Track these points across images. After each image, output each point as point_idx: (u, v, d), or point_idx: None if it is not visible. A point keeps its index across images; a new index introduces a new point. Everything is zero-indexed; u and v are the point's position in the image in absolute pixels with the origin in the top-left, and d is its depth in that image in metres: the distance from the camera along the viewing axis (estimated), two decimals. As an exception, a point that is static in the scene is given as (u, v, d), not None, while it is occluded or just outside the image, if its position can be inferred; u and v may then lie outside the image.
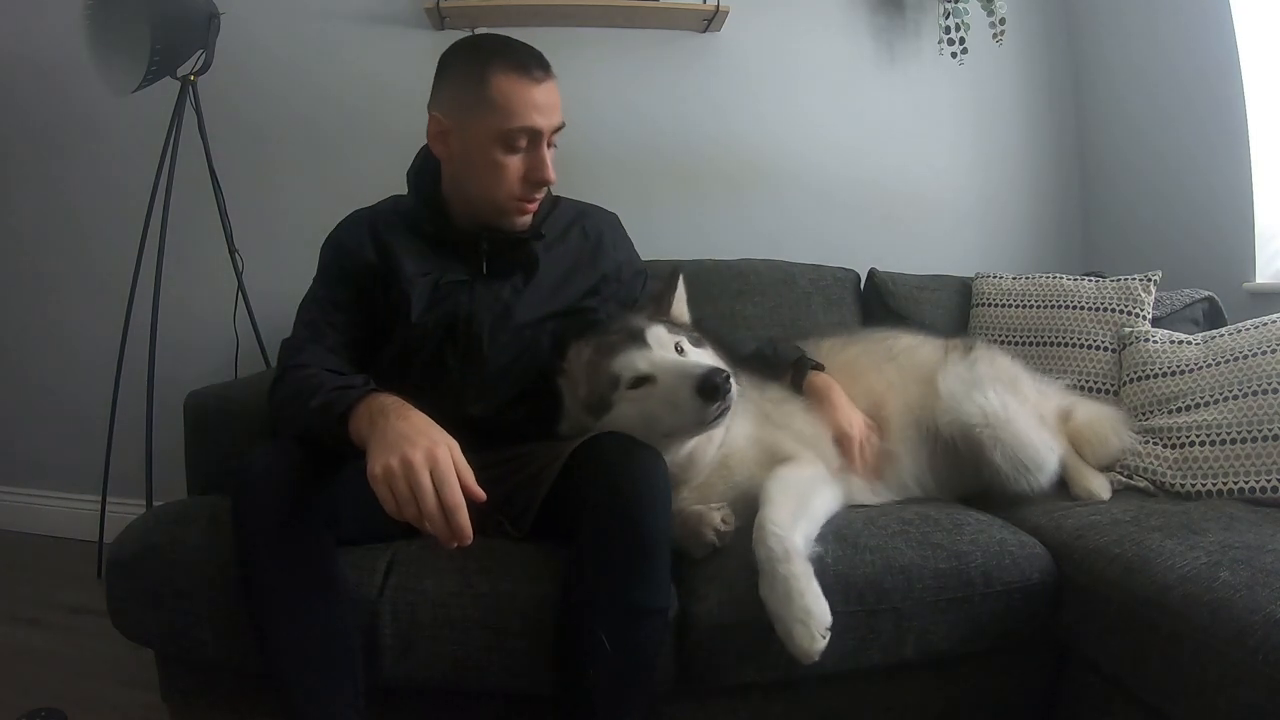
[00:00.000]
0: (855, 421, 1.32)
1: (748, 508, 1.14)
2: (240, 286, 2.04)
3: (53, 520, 2.29)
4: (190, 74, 1.94)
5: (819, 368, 1.38)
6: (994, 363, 1.43)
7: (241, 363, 2.02)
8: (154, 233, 1.93)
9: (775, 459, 1.22)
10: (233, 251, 2.03)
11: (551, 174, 1.22)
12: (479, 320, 1.24)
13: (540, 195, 1.26)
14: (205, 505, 1.21)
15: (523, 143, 1.19)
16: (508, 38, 1.24)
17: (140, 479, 1.91)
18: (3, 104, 2.23)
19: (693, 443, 1.17)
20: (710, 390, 1.05)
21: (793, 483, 1.16)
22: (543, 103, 1.19)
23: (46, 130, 2.22)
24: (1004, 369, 1.42)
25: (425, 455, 0.90)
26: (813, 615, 0.98)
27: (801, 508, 1.12)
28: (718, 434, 1.19)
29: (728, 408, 1.07)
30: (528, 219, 1.27)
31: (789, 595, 0.99)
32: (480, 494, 0.92)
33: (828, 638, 0.98)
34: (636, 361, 1.13)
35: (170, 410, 1.62)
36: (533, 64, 1.19)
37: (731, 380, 1.06)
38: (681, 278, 1.36)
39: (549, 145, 1.22)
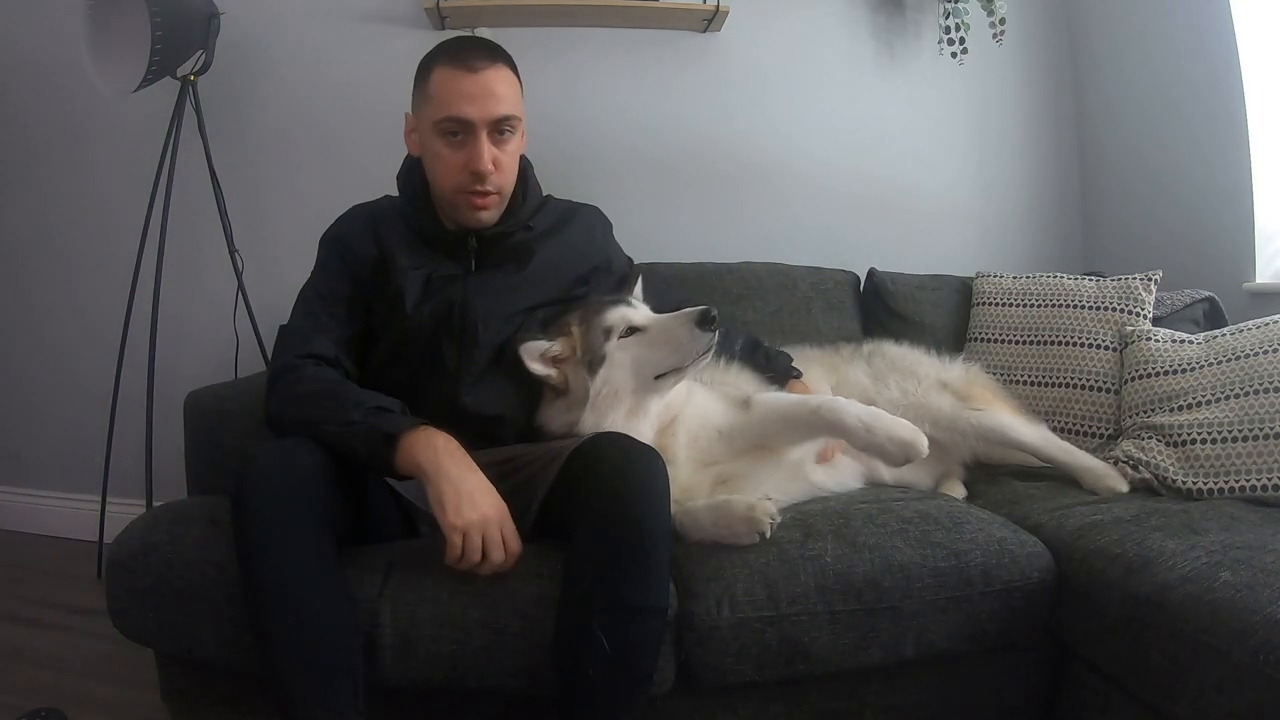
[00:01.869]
0: None
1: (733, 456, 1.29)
2: (240, 286, 2.04)
3: (53, 520, 2.29)
4: (190, 74, 1.94)
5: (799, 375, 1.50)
6: (885, 355, 1.60)
7: (241, 363, 2.02)
8: (154, 233, 1.93)
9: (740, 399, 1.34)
10: (233, 251, 2.03)
11: (484, 165, 1.21)
12: (473, 308, 1.26)
13: (488, 188, 1.24)
14: (205, 505, 1.21)
15: (456, 132, 1.21)
16: (466, 36, 1.29)
17: (140, 479, 1.91)
18: (2, 104, 2.23)
19: (671, 392, 1.28)
20: (709, 320, 1.18)
21: (774, 395, 1.34)
22: (474, 93, 1.19)
23: (47, 130, 2.22)
24: (896, 359, 1.59)
25: (497, 515, 1.04)
26: (900, 419, 1.18)
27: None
28: (682, 388, 1.30)
29: (716, 341, 1.21)
30: (484, 214, 1.27)
31: (879, 418, 1.18)
32: (518, 548, 1.05)
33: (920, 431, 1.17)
34: (630, 315, 1.26)
35: (170, 410, 1.62)
36: (473, 56, 1.20)
37: (716, 323, 1.20)
38: (641, 274, 1.44)
39: (497, 134, 1.22)
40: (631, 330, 1.25)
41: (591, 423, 1.22)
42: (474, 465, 1.07)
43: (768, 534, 1.13)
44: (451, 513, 1.01)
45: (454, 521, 1.01)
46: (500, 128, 1.23)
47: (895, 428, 1.17)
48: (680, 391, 1.30)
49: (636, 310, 1.28)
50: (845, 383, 1.55)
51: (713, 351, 1.22)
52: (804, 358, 1.58)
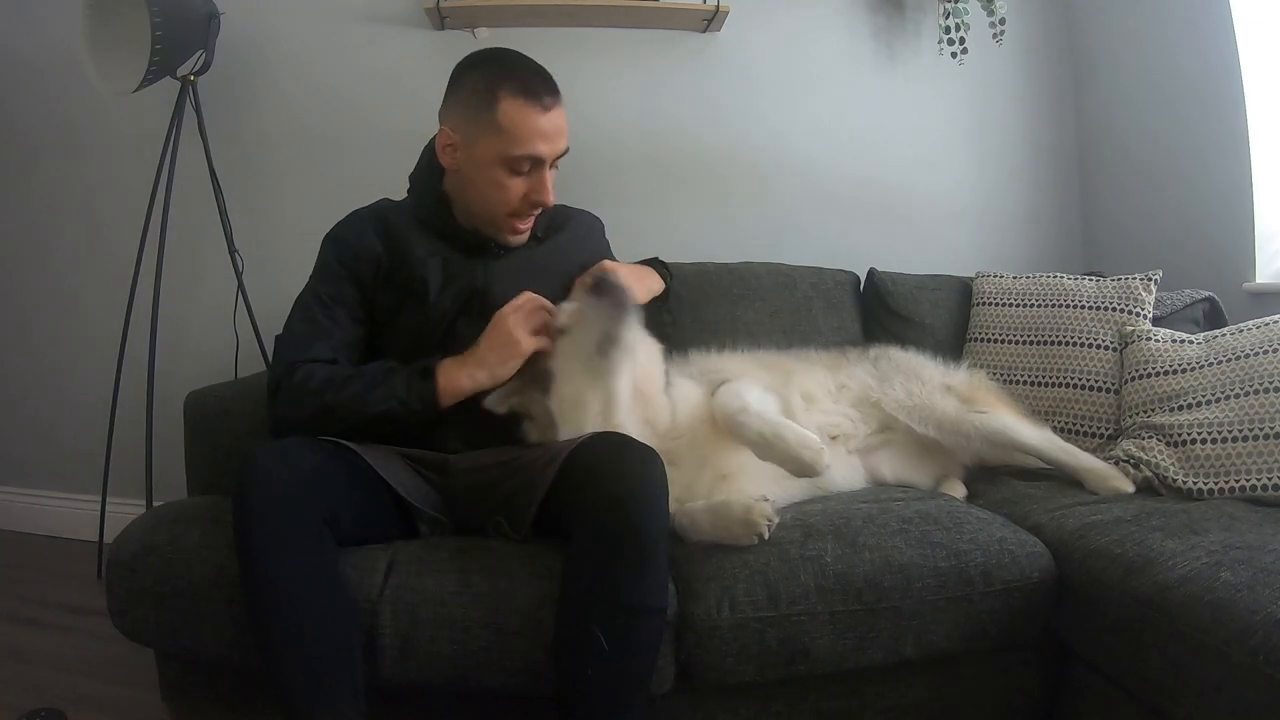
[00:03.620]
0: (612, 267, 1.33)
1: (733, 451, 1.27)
2: (240, 286, 2.04)
3: (53, 520, 2.29)
4: (190, 74, 1.94)
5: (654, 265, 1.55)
6: (891, 358, 1.60)
7: (241, 363, 2.02)
8: (154, 233, 1.93)
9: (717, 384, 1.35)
10: (233, 251, 2.03)
11: (550, 198, 1.26)
12: (494, 291, 1.28)
13: (536, 214, 1.30)
14: (205, 505, 1.22)
15: (526, 168, 1.23)
16: (520, 57, 1.27)
17: (140, 479, 1.91)
18: (2, 103, 2.23)
19: (628, 377, 1.21)
20: (598, 286, 1.17)
21: (734, 389, 1.30)
22: (549, 130, 1.22)
23: (46, 130, 2.22)
24: (901, 362, 1.58)
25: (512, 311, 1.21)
26: (805, 438, 1.16)
27: (746, 393, 1.29)
28: (656, 374, 1.29)
29: (621, 305, 1.16)
30: (522, 237, 1.31)
31: (781, 437, 1.16)
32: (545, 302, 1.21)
33: (825, 449, 1.16)
34: (552, 325, 1.24)
35: (170, 410, 1.62)
36: (543, 90, 1.22)
37: (616, 284, 1.17)
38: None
39: (551, 168, 1.26)
40: (560, 333, 1.23)
41: (570, 432, 1.20)
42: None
43: (765, 535, 1.13)
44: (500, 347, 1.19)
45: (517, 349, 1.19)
46: (556, 162, 1.27)
47: (795, 449, 1.15)
48: (663, 400, 1.29)
49: (558, 315, 1.25)
50: (851, 382, 1.55)
51: (630, 309, 1.17)
52: (809, 360, 1.59)
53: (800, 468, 1.15)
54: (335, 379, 1.19)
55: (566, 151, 1.27)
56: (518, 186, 1.24)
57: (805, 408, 1.46)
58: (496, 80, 1.21)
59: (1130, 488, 1.38)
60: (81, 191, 2.23)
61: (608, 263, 1.35)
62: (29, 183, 2.26)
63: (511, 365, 1.20)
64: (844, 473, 1.43)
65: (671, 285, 1.57)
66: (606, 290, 1.17)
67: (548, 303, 1.23)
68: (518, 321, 1.20)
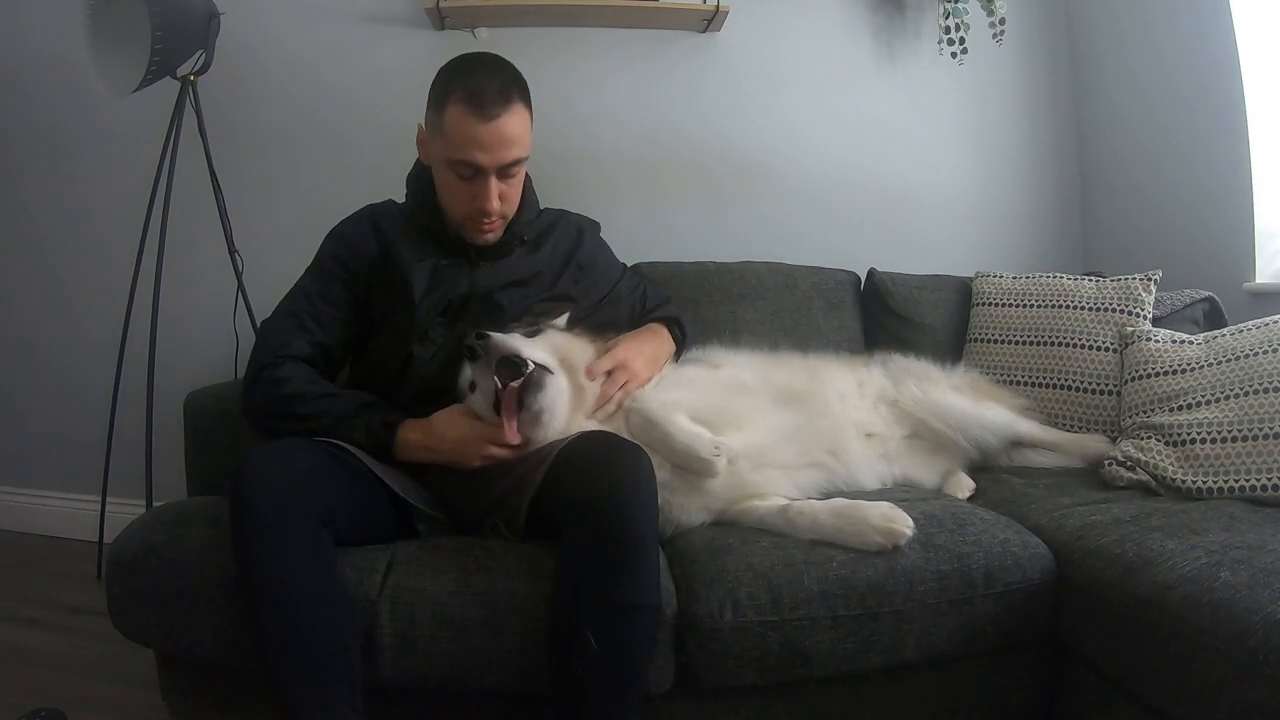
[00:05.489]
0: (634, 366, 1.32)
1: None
2: (240, 286, 2.04)
3: (53, 520, 2.29)
4: (190, 74, 1.94)
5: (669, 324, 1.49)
6: (897, 361, 1.67)
7: (241, 363, 2.01)
8: (154, 233, 1.93)
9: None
10: (233, 251, 2.03)
11: (491, 205, 1.25)
12: (486, 288, 1.31)
13: (490, 219, 1.29)
14: (205, 505, 1.22)
15: (468, 173, 1.24)
16: (487, 65, 1.26)
17: (140, 479, 1.91)
18: (3, 104, 2.23)
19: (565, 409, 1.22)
20: (469, 353, 1.17)
21: (674, 372, 1.36)
22: (487, 140, 1.21)
23: (46, 130, 2.22)
24: (909, 365, 1.65)
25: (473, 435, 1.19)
26: (697, 438, 1.19)
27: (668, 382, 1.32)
28: (591, 391, 1.26)
29: (479, 361, 1.16)
30: (489, 237, 1.32)
31: (669, 437, 1.19)
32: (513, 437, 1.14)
33: (721, 451, 1.19)
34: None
35: (170, 411, 1.62)
36: (490, 102, 1.20)
37: (484, 342, 1.15)
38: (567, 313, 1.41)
39: (506, 176, 1.25)
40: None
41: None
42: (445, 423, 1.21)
43: (902, 544, 1.14)
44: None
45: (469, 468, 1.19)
46: (509, 170, 1.26)
47: (685, 453, 1.18)
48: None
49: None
50: (869, 380, 1.60)
51: (527, 387, 1.14)
52: (825, 360, 1.63)
53: (699, 469, 1.19)
54: (311, 393, 1.22)
55: (518, 162, 1.25)
56: (462, 190, 1.25)
57: (841, 403, 1.49)
58: (451, 84, 1.23)
59: (1101, 444, 1.49)
60: (81, 192, 2.23)
61: (615, 342, 1.34)
62: (29, 183, 2.26)
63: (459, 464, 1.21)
64: (869, 475, 1.45)
65: (685, 345, 1.49)
66: (471, 357, 1.16)
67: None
68: (480, 459, 1.19)
